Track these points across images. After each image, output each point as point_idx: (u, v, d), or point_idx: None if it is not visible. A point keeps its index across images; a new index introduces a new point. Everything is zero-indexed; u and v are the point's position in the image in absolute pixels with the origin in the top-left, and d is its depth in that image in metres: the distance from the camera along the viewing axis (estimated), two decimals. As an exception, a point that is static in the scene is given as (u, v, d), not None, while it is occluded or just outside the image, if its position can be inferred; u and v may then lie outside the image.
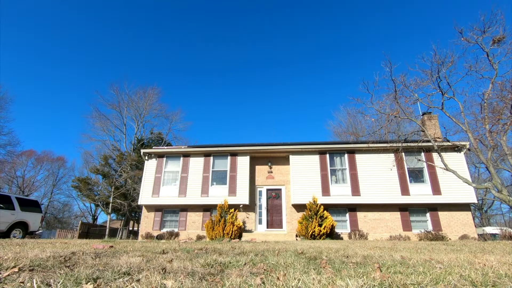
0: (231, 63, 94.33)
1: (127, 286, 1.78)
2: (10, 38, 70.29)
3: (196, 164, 22.81)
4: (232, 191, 21.32)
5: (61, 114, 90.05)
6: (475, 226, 20.66)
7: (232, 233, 17.20)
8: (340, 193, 20.41)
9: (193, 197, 21.71)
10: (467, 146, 19.63)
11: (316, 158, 21.49)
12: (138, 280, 1.90)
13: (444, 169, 16.27)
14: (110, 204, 37.58)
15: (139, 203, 22.69)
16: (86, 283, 1.81)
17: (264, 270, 2.47)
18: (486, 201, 42.75)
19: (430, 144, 17.80)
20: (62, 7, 77.04)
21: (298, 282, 1.92)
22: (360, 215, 20.27)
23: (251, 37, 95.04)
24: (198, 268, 2.53)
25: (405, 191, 20.18)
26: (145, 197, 22.24)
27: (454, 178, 17.09)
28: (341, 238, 19.01)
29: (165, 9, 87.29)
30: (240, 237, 17.92)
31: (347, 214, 20.45)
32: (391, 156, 20.63)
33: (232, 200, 20.46)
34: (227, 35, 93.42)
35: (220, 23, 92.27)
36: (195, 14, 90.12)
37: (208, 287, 1.83)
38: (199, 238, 19.28)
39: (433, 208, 20.01)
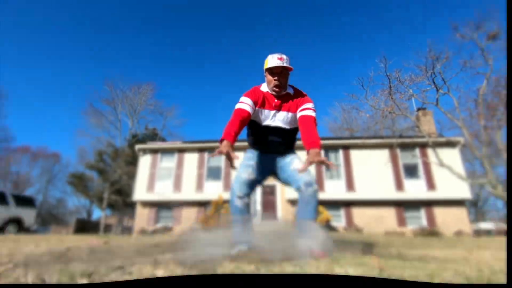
0: (229, 58, 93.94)
1: (119, 278, 1.79)
2: (2, 31, 69.85)
3: (191, 160, 22.81)
4: (227, 186, 21.33)
5: (56, 110, 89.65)
6: (470, 222, 20.76)
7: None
8: (335, 189, 20.47)
9: (188, 192, 21.71)
10: (462, 142, 19.71)
11: (311, 153, 21.35)
12: (130, 273, 1.91)
13: (439, 165, 16.34)
14: (105, 200, 37.51)
15: (133, 199, 22.71)
16: (81, 278, 1.82)
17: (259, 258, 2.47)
18: (481, 197, 43.00)
19: (424, 140, 17.89)
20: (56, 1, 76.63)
21: (295, 267, 1.93)
22: (355, 210, 20.32)
23: (250, 32, 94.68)
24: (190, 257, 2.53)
25: (400, 187, 20.26)
26: (139, 193, 22.25)
27: (449, 174, 17.16)
28: (337, 231, 19.10)
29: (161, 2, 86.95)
30: (235, 232, 17.94)
31: (342, 210, 20.51)
32: (386, 152, 20.70)
33: (227, 196, 20.41)
34: (224, 30, 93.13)
35: (219, 16, 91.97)
36: (193, 8, 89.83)
37: (198, 273, 1.83)
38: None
39: (428, 204, 20.08)
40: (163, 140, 43.41)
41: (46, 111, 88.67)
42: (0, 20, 67.58)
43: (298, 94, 3.48)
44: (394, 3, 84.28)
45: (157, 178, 22.70)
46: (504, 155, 14.97)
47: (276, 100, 3.40)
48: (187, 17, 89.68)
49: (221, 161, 22.40)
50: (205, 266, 2.02)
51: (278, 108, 3.42)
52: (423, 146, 20.70)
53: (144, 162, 23.32)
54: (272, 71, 3.25)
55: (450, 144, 20.34)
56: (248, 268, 1.93)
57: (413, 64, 17.23)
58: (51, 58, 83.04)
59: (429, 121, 22.82)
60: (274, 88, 3.30)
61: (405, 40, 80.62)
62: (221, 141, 3.00)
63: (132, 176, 36.39)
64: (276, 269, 1.91)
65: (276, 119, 3.43)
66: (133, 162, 37.11)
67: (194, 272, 1.87)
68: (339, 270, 1.89)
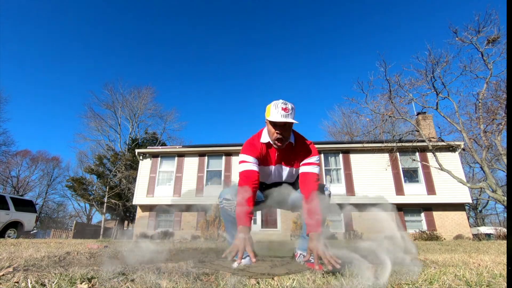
0: (227, 62, 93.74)
1: (121, 286, 1.78)
2: (4, 36, 69.81)
3: (191, 164, 22.78)
4: (228, 191, 21.27)
5: (56, 114, 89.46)
6: (470, 226, 20.75)
7: (227, 233, 17.15)
8: (335, 193, 20.37)
9: (188, 197, 21.67)
10: (462, 146, 19.71)
11: (311, 158, 21.30)
12: (132, 280, 1.90)
13: (439, 169, 16.33)
14: (105, 204, 37.42)
15: (133, 203, 22.68)
16: (81, 283, 1.81)
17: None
18: (480, 201, 42.87)
19: (424, 144, 17.86)
20: (56, 6, 76.53)
21: (293, 282, 1.92)
22: (355, 215, 20.26)
23: (247, 38, 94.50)
24: (192, 268, 2.53)
25: (399, 191, 20.22)
26: (139, 197, 22.20)
27: (449, 178, 17.14)
28: (336, 238, 19.02)
29: (158, 7, 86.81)
30: (235, 237, 17.88)
31: (342, 214, 20.45)
32: (386, 156, 20.66)
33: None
34: (222, 35, 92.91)
35: (215, 22, 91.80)
36: (191, 12, 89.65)
37: (202, 287, 1.82)
38: (194, 238, 19.25)
39: (428, 208, 20.05)
40: (164, 144, 43.42)
41: (46, 115, 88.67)
42: (1, 24, 67.64)
43: (301, 144, 3.21)
44: (393, 5, 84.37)
45: (157, 182, 22.67)
46: (504, 159, 14.97)
47: (277, 154, 3.14)
48: (186, 17, 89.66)
49: (221, 165, 22.42)
50: (209, 279, 2.02)
51: (280, 163, 3.19)
52: (423, 150, 20.69)
53: (144, 166, 23.29)
54: (274, 123, 2.91)
55: (450, 148, 20.33)
56: (249, 282, 1.93)
57: (413, 68, 17.36)
58: (52, 62, 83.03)
59: (429, 125, 22.85)
60: (276, 141, 2.97)
61: (405, 44, 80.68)
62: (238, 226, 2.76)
63: (131, 180, 36.47)
64: (274, 283, 1.90)
65: (279, 174, 3.25)
66: (133, 166, 37.13)
67: (198, 285, 1.87)
68: (335, 283, 1.89)
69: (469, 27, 15.39)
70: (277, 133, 2.90)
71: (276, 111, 2.84)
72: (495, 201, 16.08)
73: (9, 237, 15.38)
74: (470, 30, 15.36)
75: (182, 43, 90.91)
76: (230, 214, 3.13)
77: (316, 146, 19.59)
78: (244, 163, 3.04)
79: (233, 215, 3.03)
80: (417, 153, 20.81)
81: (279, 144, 2.97)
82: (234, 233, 3.02)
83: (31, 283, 1.77)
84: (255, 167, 3.00)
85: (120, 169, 37.90)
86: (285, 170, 3.21)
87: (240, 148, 17.16)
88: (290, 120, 2.81)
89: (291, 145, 3.12)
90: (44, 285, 1.76)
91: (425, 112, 22.24)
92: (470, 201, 20.19)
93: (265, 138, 3.10)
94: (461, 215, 19.84)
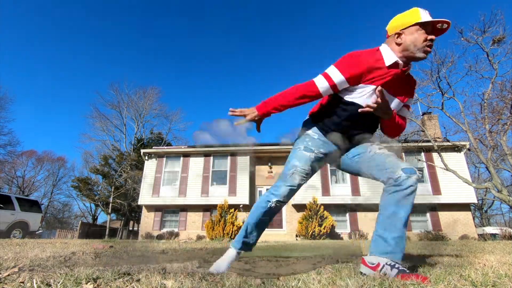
0: (233, 62, 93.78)
1: (127, 286, 1.78)
2: (10, 37, 70.15)
3: (196, 164, 22.79)
4: (232, 191, 21.29)
5: (61, 114, 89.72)
6: (475, 226, 20.67)
7: (232, 233, 17.19)
8: (340, 193, 20.36)
9: (193, 197, 21.69)
10: (467, 146, 19.62)
11: (316, 158, 21.22)
12: (138, 280, 1.90)
13: (444, 169, 16.26)
14: (110, 204, 37.46)
15: (139, 203, 22.75)
16: (86, 283, 1.81)
17: (264, 270, 2.47)
18: (486, 201, 42.59)
19: (430, 144, 17.78)
20: (62, 6, 76.63)
21: (298, 282, 1.92)
22: (360, 215, 20.22)
23: (252, 36, 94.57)
24: (197, 268, 2.53)
25: (405, 191, 20.14)
26: (145, 197, 22.25)
27: (454, 178, 17.06)
28: (341, 238, 18.99)
29: (165, 7, 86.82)
30: (240, 237, 17.88)
31: (347, 214, 20.42)
32: (391, 156, 20.54)
33: (232, 200, 20.30)
34: (228, 33, 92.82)
35: (222, 20, 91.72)
36: (198, 11, 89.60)
37: (208, 287, 1.82)
38: (199, 238, 19.24)
39: (433, 208, 19.97)
40: (169, 144, 43.39)
41: (52, 115, 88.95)
42: (6, 25, 67.92)
43: (411, 75, 2.46)
44: (399, 4, 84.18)
45: (162, 182, 22.69)
46: (509, 159, 14.91)
47: (397, 81, 2.30)
48: (193, 16, 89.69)
49: (226, 165, 22.41)
50: (214, 279, 2.02)
51: (395, 94, 2.36)
52: (428, 150, 20.59)
53: (150, 166, 23.33)
54: (425, 28, 2.16)
55: (455, 148, 20.25)
56: (255, 282, 1.93)
57: (418, 68, 17.29)
58: (58, 62, 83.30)
59: (435, 125, 22.77)
60: (428, 49, 2.17)
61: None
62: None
63: (137, 180, 36.44)
64: (280, 283, 1.90)
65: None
66: (138, 166, 37.12)
67: (203, 285, 1.87)
68: (340, 283, 1.89)
69: (474, 27, 15.35)
70: (430, 39, 2.16)
71: (427, 16, 2.18)
72: (501, 201, 16.02)
73: (14, 237, 15.39)
74: (475, 30, 15.31)
75: (188, 43, 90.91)
76: (271, 215, 2.69)
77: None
78: (326, 78, 2.29)
79: (271, 218, 2.66)
80: (422, 153, 20.74)
81: (429, 51, 2.21)
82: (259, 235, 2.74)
83: (36, 283, 1.77)
84: (331, 92, 2.34)
85: (126, 169, 37.89)
86: (395, 104, 2.40)
87: (244, 148, 16.75)
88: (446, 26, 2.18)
89: (410, 75, 2.43)
90: (50, 285, 1.76)
91: (430, 112, 22.18)
92: (476, 201, 20.15)
93: (390, 57, 2.25)
94: (467, 215, 19.77)
